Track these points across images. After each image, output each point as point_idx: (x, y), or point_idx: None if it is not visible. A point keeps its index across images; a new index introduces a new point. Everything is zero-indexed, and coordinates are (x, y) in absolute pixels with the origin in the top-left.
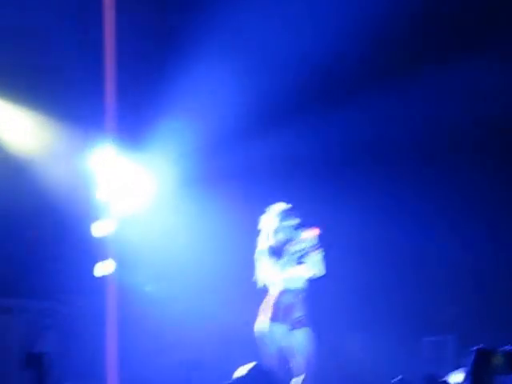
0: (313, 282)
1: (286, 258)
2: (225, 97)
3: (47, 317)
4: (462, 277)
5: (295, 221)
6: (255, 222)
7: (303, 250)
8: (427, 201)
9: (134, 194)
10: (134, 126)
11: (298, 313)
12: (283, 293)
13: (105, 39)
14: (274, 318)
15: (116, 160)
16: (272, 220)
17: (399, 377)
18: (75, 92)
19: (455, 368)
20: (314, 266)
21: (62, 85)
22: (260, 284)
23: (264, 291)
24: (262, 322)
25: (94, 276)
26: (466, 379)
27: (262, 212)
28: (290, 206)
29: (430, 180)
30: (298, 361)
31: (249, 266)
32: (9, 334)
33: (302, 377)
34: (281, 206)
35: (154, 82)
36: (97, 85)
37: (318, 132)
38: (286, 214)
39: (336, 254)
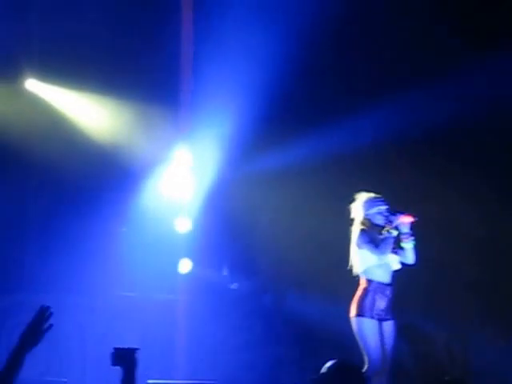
0: (403, 271)
1: (381, 244)
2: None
3: None
4: None
5: (385, 207)
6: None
7: (396, 237)
8: None
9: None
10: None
11: (387, 304)
12: (373, 283)
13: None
14: (363, 311)
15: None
16: (361, 208)
17: None
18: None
19: None
20: (405, 255)
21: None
22: (354, 273)
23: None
24: (353, 316)
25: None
26: None
27: (351, 201)
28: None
29: None
30: (384, 353)
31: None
32: None
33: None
34: (367, 194)
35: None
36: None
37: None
38: (373, 201)
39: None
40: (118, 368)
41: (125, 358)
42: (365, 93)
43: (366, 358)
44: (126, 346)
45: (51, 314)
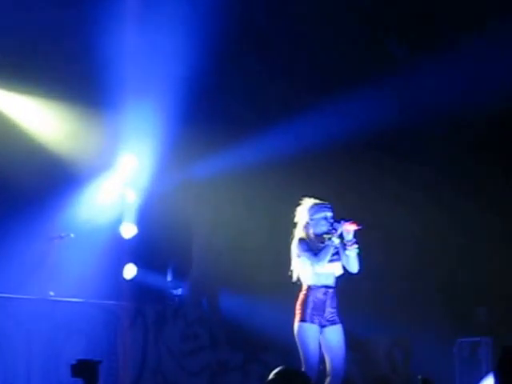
0: (345, 278)
1: (320, 252)
2: None
3: None
4: None
5: (330, 214)
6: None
7: (338, 244)
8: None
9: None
10: None
11: (330, 310)
12: (314, 289)
13: None
14: (305, 318)
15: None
16: (306, 212)
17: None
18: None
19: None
20: (348, 263)
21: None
22: (294, 278)
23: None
24: (296, 322)
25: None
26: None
27: (297, 204)
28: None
29: None
30: (330, 358)
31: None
32: None
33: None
34: (313, 199)
35: None
36: None
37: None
38: (320, 207)
39: (370, 251)
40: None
41: (87, 371)
42: (312, 93)
43: (303, 364)
44: (87, 358)
45: None
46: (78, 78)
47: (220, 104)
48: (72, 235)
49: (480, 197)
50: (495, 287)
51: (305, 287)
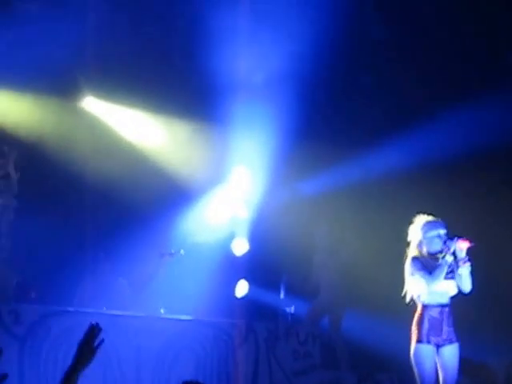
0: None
1: (434, 271)
2: None
3: None
4: None
5: (444, 231)
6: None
7: (452, 263)
8: None
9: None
10: None
11: (446, 329)
12: (429, 308)
13: None
14: (421, 338)
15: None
16: (419, 230)
17: None
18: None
19: None
20: (461, 281)
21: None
22: (408, 299)
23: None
24: (412, 343)
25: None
26: None
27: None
28: (435, 216)
29: None
30: (444, 378)
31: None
32: None
33: None
34: (426, 216)
35: None
36: None
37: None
38: (433, 225)
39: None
40: None
41: None
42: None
43: None
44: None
45: (100, 329)
46: (189, 91)
47: (330, 118)
48: (182, 252)
49: None
50: None
51: (420, 307)
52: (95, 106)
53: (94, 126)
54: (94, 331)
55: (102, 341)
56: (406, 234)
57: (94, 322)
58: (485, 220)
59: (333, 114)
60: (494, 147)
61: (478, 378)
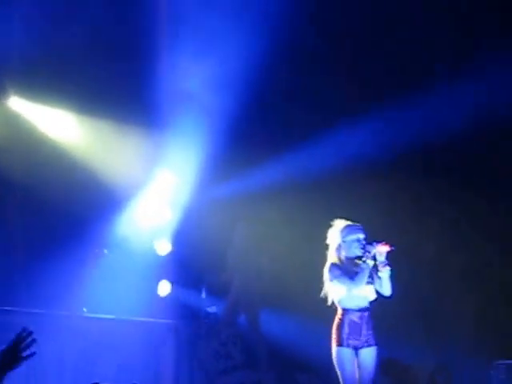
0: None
1: (356, 276)
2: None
3: None
4: None
5: (362, 235)
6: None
7: (371, 267)
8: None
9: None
10: None
11: (366, 333)
12: (349, 313)
13: None
14: (341, 342)
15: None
16: (337, 234)
17: None
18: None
19: None
20: (381, 285)
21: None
22: (329, 302)
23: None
24: (333, 347)
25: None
26: None
27: (328, 226)
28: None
29: None
30: (361, 379)
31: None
32: None
33: None
34: (345, 221)
35: None
36: None
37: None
38: (352, 229)
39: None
40: None
41: None
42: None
43: None
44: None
45: (33, 340)
46: (121, 95)
47: (258, 123)
48: (105, 251)
49: None
50: None
51: (340, 311)
52: (20, 105)
53: (18, 125)
54: (25, 339)
55: (33, 354)
56: (325, 236)
57: (26, 330)
58: (405, 223)
59: (259, 118)
60: (412, 149)
61: (402, 379)
